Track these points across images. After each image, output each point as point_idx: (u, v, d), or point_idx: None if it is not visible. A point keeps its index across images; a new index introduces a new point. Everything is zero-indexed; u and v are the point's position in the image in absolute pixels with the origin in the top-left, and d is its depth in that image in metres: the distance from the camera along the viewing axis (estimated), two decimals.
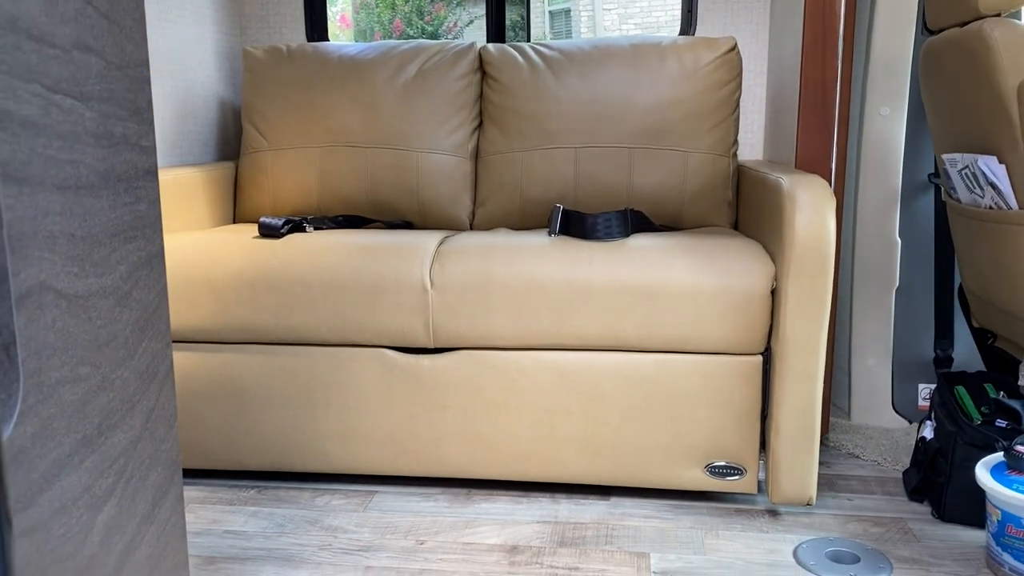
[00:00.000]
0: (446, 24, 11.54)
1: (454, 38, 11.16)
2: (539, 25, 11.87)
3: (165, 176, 2.00)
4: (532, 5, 11.74)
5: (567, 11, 11.48)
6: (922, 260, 2.13)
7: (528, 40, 2.79)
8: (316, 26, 2.54)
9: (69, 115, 0.70)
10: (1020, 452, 1.47)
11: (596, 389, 1.69)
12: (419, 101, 2.18)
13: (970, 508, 1.64)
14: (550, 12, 11.81)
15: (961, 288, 2.05)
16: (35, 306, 0.66)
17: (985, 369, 2.01)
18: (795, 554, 1.54)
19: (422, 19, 11.61)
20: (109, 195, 0.76)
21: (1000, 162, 1.59)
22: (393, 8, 11.56)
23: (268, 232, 1.81)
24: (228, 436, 1.80)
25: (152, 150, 0.82)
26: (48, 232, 0.68)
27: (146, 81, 0.81)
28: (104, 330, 0.75)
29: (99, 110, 0.74)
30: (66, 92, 0.70)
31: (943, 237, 2.11)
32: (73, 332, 0.71)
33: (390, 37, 10.89)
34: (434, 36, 11.21)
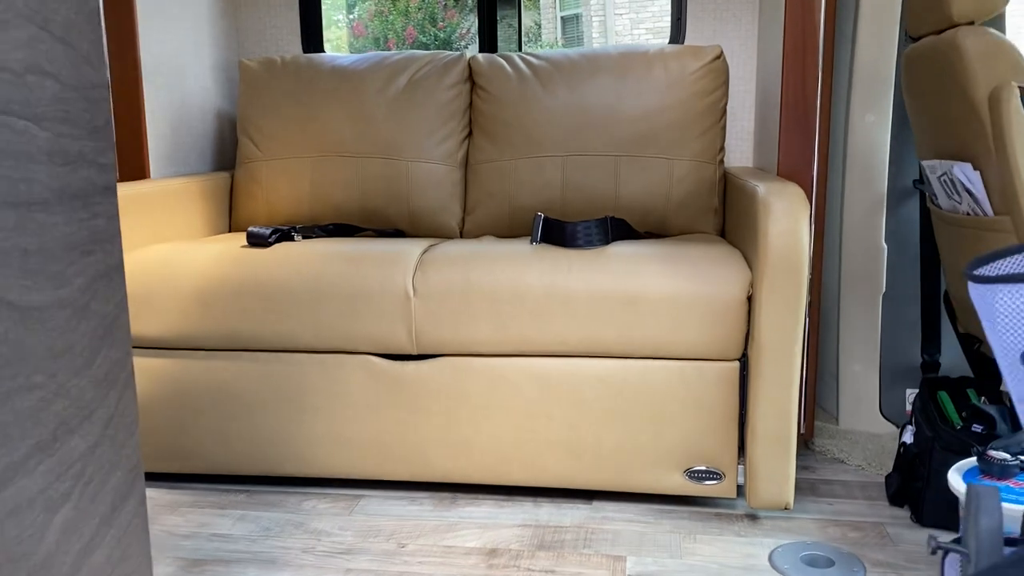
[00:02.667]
0: (459, 31, 11.61)
1: (466, 45, 11.22)
2: (550, 31, 11.91)
3: (158, 187, 2.04)
4: (543, 10, 11.78)
5: (578, 16, 11.51)
6: (908, 266, 2.14)
7: (520, 48, 2.82)
8: (312, 38, 2.59)
9: (21, 136, 0.74)
10: (992, 457, 1.48)
11: (577, 395, 1.72)
12: (410, 111, 2.22)
13: (948, 512, 1.64)
14: (562, 18, 11.85)
15: (947, 293, 2.06)
16: None
17: (972, 374, 2.02)
18: (770, 558, 1.55)
19: (435, 26, 11.69)
20: (64, 211, 0.79)
21: (975, 169, 1.61)
22: (406, 15, 11.65)
23: (256, 241, 1.85)
24: (218, 441, 1.84)
25: (111, 167, 0.86)
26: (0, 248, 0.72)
27: (104, 101, 0.85)
28: (60, 340, 0.79)
29: (53, 130, 0.78)
30: (18, 114, 0.74)
31: (929, 243, 2.12)
32: (27, 343, 0.75)
33: (403, 44, 10.97)
34: (447, 42, 11.28)
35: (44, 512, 0.77)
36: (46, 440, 0.77)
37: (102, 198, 0.85)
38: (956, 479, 1.50)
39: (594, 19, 11.29)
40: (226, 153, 2.55)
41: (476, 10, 2.57)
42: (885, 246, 2.13)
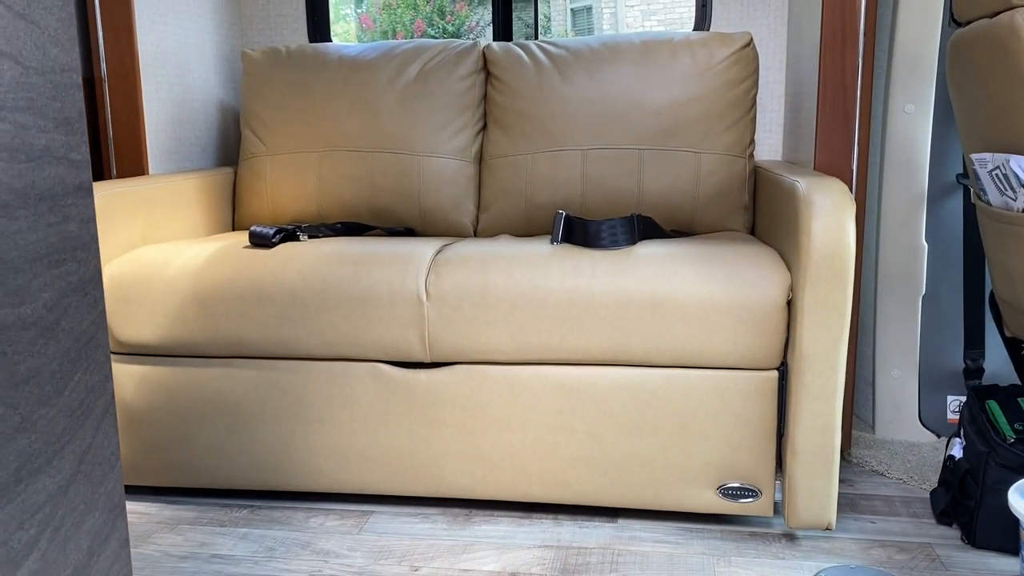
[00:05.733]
0: (468, 23, 11.48)
1: (475, 38, 11.10)
2: (560, 23, 11.77)
3: (157, 183, 1.93)
4: (553, 2, 11.64)
5: (589, 8, 11.36)
6: (950, 265, 2.02)
7: (536, 38, 2.70)
8: (318, 26, 2.47)
9: None
10: None
11: (602, 406, 1.60)
12: (421, 103, 2.10)
13: (1003, 534, 1.53)
14: (572, 9, 11.70)
15: (992, 295, 1.93)
16: None
17: (1020, 381, 1.89)
18: None
19: (443, 19, 11.56)
20: (28, 215, 0.68)
21: None
22: (415, 8, 11.53)
23: (259, 242, 1.74)
24: (219, 454, 1.73)
25: (85, 164, 0.75)
26: None
27: (76, 87, 0.74)
28: (23, 365, 0.68)
29: (14, 121, 0.67)
30: None
31: (972, 241, 2.00)
32: None
33: (411, 37, 10.86)
34: (456, 35, 11.16)
35: (5, 566, 0.66)
36: (7, 482, 0.66)
37: (74, 199, 0.74)
38: (1017, 500, 1.38)
39: (605, 11, 11.14)
40: (230, 148, 2.44)
41: (492, 1, 2.45)
42: (925, 244, 2.01)
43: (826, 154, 1.79)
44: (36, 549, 0.70)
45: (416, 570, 1.49)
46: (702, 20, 2.31)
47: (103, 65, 2.00)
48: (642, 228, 1.76)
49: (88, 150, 0.76)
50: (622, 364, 1.60)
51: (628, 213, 2.00)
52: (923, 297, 2.03)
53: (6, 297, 0.66)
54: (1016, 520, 1.50)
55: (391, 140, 2.09)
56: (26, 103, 0.68)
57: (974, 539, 1.55)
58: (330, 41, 2.49)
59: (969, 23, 1.65)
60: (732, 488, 1.59)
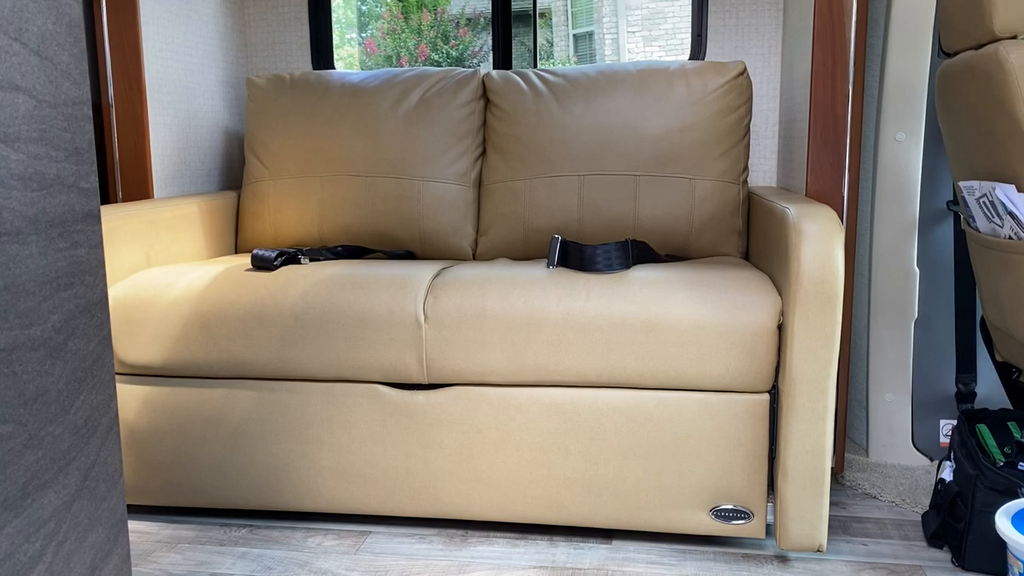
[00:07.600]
0: (471, 49, 11.59)
1: (479, 63, 11.20)
2: (562, 48, 11.87)
3: (161, 207, 1.97)
4: (556, 28, 11.75)
5: (591, 34, 11.47)
6: (942, 290, 2.05)
7: (535, 66, 2.75)
8: (322, 54, 2.52)
9: None
10: None
11: (596, 428, 1.63)
12: (421, 129, 2.14)
13: (992, 556, 1.54)
14: (574, 35, 11.82)
15: (983, 319, 1.96)
16: None
17: (1011, 406, 1.92)
18: None
19: (447, 44, 11.68)
20: (39, 241, 0.72)
21: (1019, 191, 1.51)
22: (419, 33, 11.64)
23: (261, 264, 1.77)
24: (220, 474, 1.76)
25: (93, 192, 0.79)
26: None
27: (86, 119, 0.77)
28: (32, 384, 0.71)
29: (28, 152, 0.70)
30: None
31: (964, 266, 2.03)
32: None
33: (416, 62, 10.95)
34: (459, 60, 11.26)
35: None
36: (14, 497, 0.69)
37: (83, 225, 0.78)
38: (1004, 523, 1.40)
39: (607, 37, 11.25)
40: (234, 172, 2.48)
41: (491, 28, 2.50)
42: (917, 270, 2.04)
43: (817, 181, 1.83)
44: (41, 562, 0.72)
45: None
46: (697, 49, 2.36)
47: (110, 91, 2.05)
48: (636, 253, 1.79)
49: (97, 178, 0.79)
50: (616, 386, 1.62)
51: (624, 238, 2.04)
52: (915, 322, 2.05)
53: (17, 319, 0.69)
54: (1004, 543, 1.51)
55: (392, 165, 2.13)
56: (39, 134, 0.72)
57: (964, 561, 1.57)
58: (333, 68, 2.54)
59: (956, 54, 1.69)
60: (725, 510, 1.61)
